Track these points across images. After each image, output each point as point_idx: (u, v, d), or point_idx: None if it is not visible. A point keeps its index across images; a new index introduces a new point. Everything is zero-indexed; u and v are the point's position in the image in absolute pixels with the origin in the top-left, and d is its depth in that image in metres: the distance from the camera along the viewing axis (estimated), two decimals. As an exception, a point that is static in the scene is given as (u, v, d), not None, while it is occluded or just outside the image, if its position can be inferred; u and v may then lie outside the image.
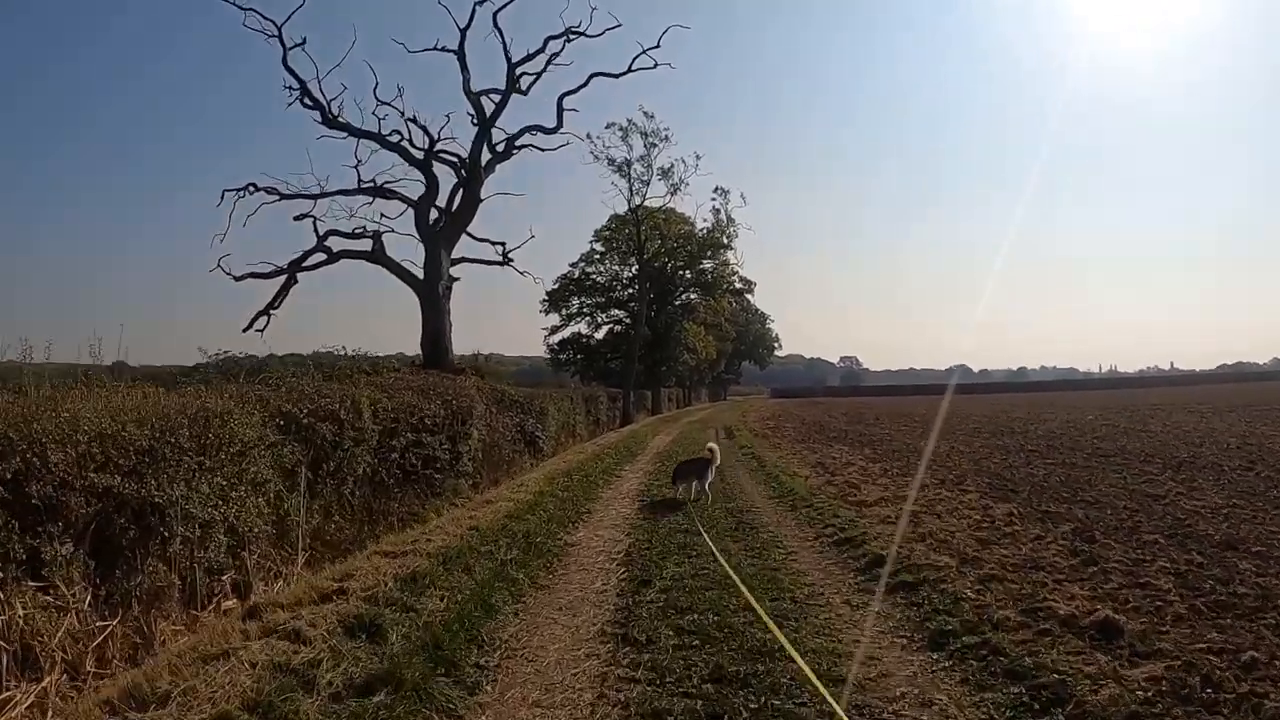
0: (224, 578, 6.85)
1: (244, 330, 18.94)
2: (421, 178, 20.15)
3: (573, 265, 48.15)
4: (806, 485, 11.50)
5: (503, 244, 22.75)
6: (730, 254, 43.47)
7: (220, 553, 6.72)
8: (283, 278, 18.66)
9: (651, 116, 37.15)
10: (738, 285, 53.50)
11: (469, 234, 21.28)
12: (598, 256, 47.91)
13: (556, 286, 47.41)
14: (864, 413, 38.60)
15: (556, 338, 48.38)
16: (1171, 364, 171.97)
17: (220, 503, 6.71)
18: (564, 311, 48.04)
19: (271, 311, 18.86)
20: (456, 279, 20.18)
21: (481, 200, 20.54)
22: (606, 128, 37.92)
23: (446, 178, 21.26)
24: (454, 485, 12.44)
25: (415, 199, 20.02)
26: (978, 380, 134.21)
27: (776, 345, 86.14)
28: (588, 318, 48.58)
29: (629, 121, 37.05)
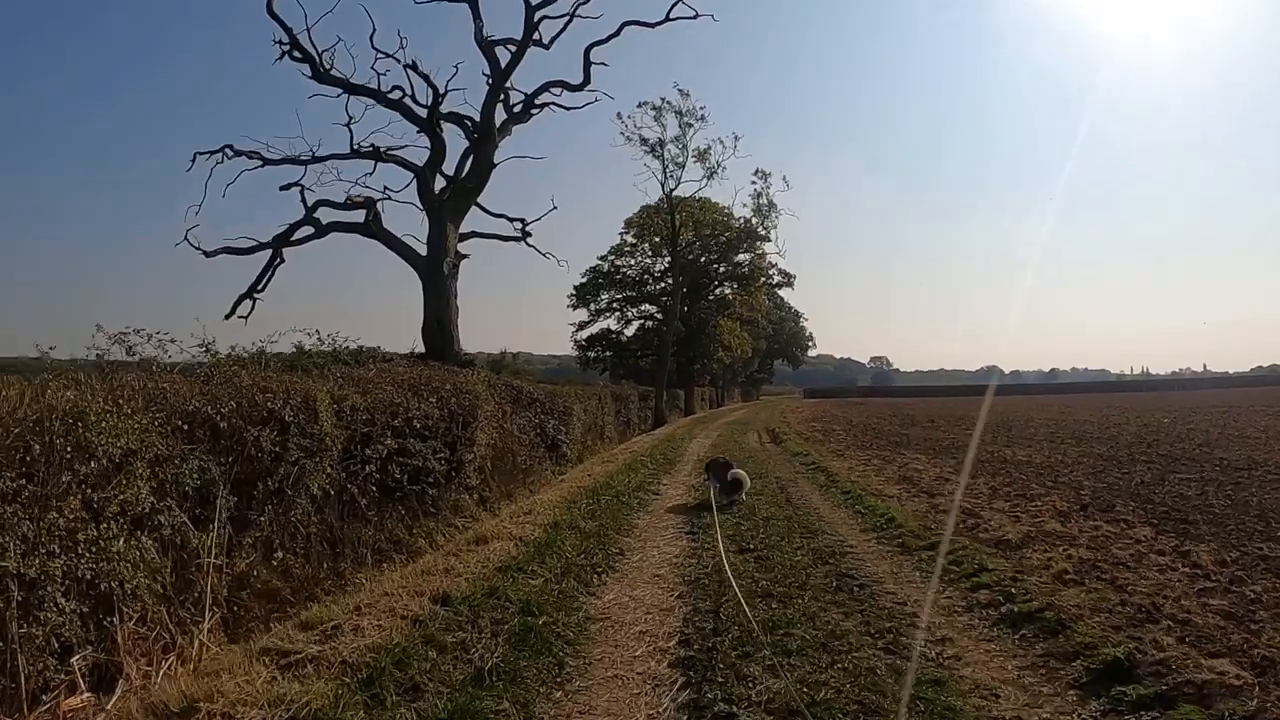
0: (73, 660, 4.57)
1: (226, 318, 16.47)
2: (426, 141, 17.58)
3: (601, 258, 46.18)
4: (908, 513, 8.65)
5: (521, 219, 20.20)
6: (769, 245, 40.45)
7: (66, 624, 4.48)
8: (266, 254, 16.26)
9: (687, 95, 34.62)
10: (776, 279, 50.50)
11: (481, 206, 18.67)
12: (628, 248, 45.62)
13: (585, 280, 45.35)
14: (912, 414, 36.16)
15: (584, 334, 46.29)
16: (1205, 365, 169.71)
17: (61, 550, 4.45)
18: (592, 306, 46.03)
19: (256, 295, 16.40)
20: (465, 256, 17.43)
21: (495, 165, 17.91)
22: (639, 106, 35.51)
23: (456, 142, 18.75)
24: (455, 502, 10.14)
25: (419, 165, 17.42)
26: (1010, 381, 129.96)
27: (810, 344, 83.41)
28: (617, 313, 46.56)
29: (663, 100, 34.59)
